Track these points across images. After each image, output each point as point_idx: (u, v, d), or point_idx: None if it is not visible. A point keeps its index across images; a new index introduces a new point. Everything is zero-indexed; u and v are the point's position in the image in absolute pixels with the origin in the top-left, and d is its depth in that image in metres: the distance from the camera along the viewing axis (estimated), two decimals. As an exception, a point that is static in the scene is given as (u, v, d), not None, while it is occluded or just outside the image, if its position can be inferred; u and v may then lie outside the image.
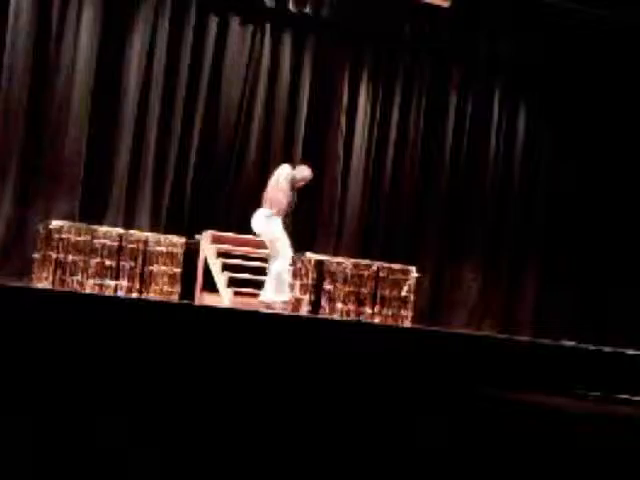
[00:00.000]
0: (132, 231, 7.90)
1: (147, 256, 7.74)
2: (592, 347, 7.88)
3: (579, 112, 10.38)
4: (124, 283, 7.62)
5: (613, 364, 7.20)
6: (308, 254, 8.45)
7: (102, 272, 7.52)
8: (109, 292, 7.46)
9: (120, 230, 7.82)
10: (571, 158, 10.45)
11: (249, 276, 7.92)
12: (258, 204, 7.44)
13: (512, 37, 10.07)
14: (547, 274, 10.35)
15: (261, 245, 8.02)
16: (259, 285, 7.65)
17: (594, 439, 3.88)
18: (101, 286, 7.48)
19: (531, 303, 10.28)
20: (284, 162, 9.30)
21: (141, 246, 7.75)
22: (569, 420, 4.44)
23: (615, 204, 10.43)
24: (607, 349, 7.91)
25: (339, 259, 8.54)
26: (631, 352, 7.60)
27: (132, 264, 7.66)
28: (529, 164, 10.45)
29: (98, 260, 7.52)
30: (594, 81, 10.27)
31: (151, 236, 7.86)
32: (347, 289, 8.35)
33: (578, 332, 9.43)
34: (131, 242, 7.70)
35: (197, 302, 7.87)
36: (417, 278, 8.74)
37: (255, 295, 7.78)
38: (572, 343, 8.41)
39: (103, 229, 7.71)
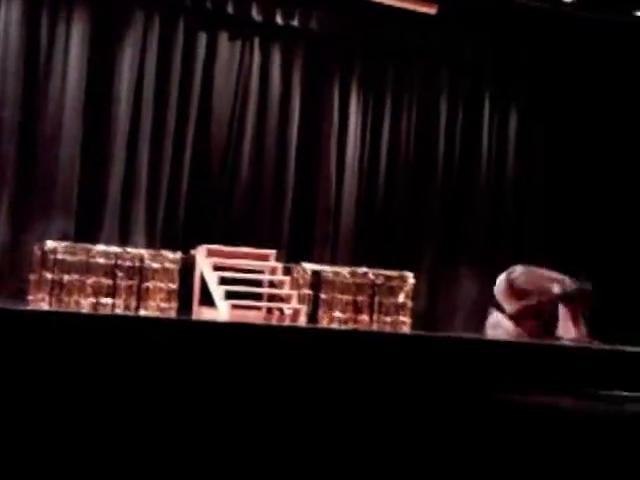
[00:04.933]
0: (127, 249, 7.93)
1: (143, 273, 7.77)
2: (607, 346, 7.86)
3: (571, 110, 10.40)
4: (120, 301, 7.65)
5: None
6: (304, 264, 8.46)
7: (99, 291, 7.55)
8: (106, 311, 7.48)
9: (115, 248, 7.84)
10: (564, 156, 10.46)
11: (245, 288, 7.93)
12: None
13: (499, 40, 10.11)
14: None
15: (255, 257, 8.02)
16: (256, 297, 7.65)
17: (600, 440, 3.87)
18: (98, 305, 7.51)
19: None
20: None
21: (137, 263, 7.77)
22: (575, 421, 4.43)
23: (612, 199, 10.44)
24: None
25: (335, 268, 8.55)
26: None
27: (128, 282, 7.69)
28: (522, 165, 10.45)
29: (94, 279, 7.55)
30: (585, 79, 10.31)
31: (146, 253, 7.88)
32: (344, 298, 8.36)
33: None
34: (127, 260, 7.73)
35: (195, 317, 7.88)
36: (414, 284, 8.75)
37: (253, 307, 7.78)
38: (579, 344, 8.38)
39: (98, 248, 7.74)
